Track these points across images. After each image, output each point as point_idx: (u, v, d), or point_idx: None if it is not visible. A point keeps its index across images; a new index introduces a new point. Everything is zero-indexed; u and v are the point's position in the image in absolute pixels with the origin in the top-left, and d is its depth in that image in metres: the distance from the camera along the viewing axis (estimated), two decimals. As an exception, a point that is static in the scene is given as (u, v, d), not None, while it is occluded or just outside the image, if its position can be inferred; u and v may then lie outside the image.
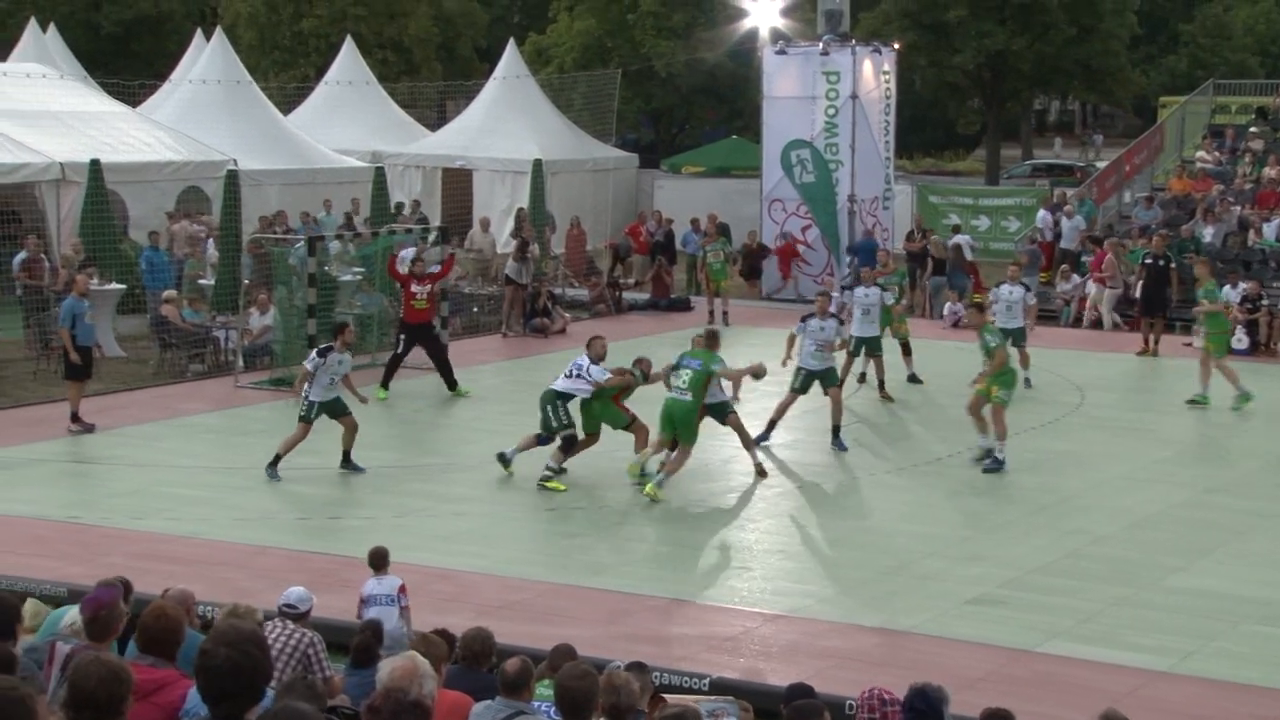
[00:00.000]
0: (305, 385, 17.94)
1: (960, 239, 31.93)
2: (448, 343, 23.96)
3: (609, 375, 17.96)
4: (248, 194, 30.03)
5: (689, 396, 17.45)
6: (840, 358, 21.02)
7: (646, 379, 18.38)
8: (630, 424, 18.16)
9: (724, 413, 18.34)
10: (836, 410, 19.82)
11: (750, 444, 18.46)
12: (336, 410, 18.06)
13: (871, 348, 22.71)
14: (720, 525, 16.60)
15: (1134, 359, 26.68)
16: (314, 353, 18.27)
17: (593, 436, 18.24)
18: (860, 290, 22.92)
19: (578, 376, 17.93)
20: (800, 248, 33.28)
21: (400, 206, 34.92)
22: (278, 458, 17.91)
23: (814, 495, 17.82)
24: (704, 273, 30.66)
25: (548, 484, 17.60)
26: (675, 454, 17.51)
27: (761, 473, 18.23)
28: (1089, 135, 75.86)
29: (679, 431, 17.51)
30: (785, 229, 33.32)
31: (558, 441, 17.87)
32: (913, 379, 23.95)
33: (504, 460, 18.08)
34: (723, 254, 30.58)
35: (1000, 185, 48.28)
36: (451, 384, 22.82)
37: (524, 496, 17.46)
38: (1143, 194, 35.22)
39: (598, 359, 18.03)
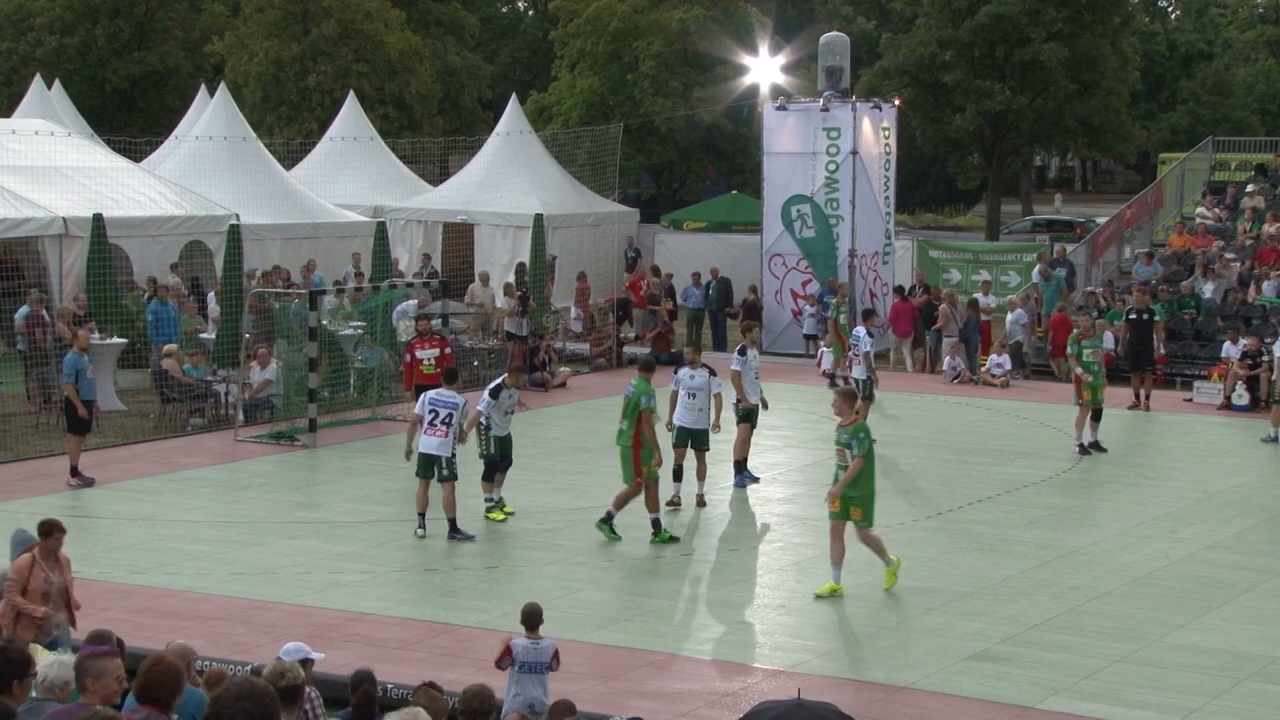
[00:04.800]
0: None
1: (979, 296, 32.10)
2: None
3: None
4: (250, 248, 30.10)
5: None
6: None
7: None
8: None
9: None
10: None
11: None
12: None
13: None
14: (720, 580, 16.55)
15: (1130, 414, 26.63)
16: (486, 393, 18.46)
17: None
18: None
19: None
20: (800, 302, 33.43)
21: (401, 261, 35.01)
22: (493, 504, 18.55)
23: (814, 550, 17.73)
24: (835, 331, 28.78)
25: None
26: None
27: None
28: None
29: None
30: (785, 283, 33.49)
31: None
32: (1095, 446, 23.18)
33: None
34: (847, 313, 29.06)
35: (1000, 241, 48.39)
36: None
37: (525, 552, 17.42)
38: (1143, 250, 35.30)
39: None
